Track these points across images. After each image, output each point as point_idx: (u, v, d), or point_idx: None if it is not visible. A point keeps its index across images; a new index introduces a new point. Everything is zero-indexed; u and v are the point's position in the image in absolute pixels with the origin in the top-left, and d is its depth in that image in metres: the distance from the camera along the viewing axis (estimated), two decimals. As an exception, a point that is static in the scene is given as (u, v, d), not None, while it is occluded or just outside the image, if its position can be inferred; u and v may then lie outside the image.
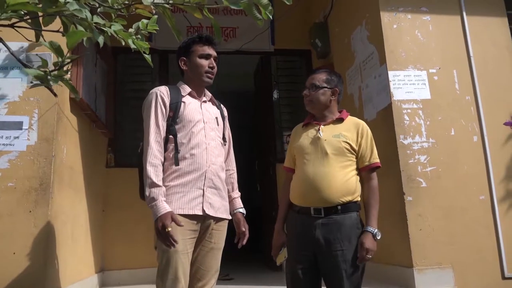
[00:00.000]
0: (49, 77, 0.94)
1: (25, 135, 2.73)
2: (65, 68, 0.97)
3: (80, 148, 3.38)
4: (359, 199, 2.04)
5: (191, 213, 1.87)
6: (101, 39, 1.15)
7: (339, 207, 1.96)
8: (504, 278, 3.09)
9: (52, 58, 2.82)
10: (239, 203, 2.18)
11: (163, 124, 1.93)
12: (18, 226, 2.60)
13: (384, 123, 3.39)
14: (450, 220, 3.12)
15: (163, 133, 1.93)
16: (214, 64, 2.07)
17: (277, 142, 5.07)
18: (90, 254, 3.73)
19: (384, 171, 3.26)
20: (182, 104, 1.98)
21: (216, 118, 2.10)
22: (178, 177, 1.90)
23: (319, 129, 2.09)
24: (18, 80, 2.81)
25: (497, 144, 3.34)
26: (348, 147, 2.03)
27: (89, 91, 3.45)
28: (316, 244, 1.95)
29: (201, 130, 1.98)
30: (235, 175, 2.23)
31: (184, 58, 2.08)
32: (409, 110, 3.30)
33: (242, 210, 2.17)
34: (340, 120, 2.12)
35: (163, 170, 1.90)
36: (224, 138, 2.16)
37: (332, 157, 2.00)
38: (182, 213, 1.86)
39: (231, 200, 2.15)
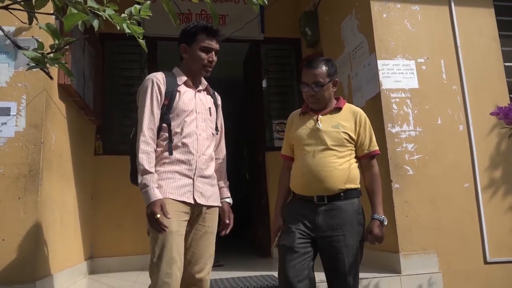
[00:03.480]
0: (46, 59, 0.93)
1: (13, 121, 2.70)
2: (61, 51, 0.96)
3: (68, 135, 3.35)
4: (359, 185, 2.07)
5: (181, 199, 1.89)
6: (96, 23, 1.14)
7: (341, 194, 2.00)
8: (486, 262, 3.19)
9: (35, 43, 2.78)
10: (226, 192, 2.19)
11: (157, 112, 1.92)
12: (7, 212, 2.58)
13: (372, 112, 3.42)
14: (436, 207, 3.20)
15: (157, 121, 1.92)
16: (214, 58, 2.03)
17: (266, 131, 5.09)
18: (79, 241, 3.72)
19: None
20: (177, 93, 1.98)
21: (209, 108, 2.09)
22: (170, 164, 1.92)
23: (317, 120, 2.09)
24: (5, 65, 2.76)
25: (482, 133, 3.42)
26: (347, 137, 2.05)
27: (78, 77, 3.40)
28: (318, 229, 1.98)
29: (193, 120, 1.98)
30: (224, 164, 2.24)
31: (185, 46, 2.04)
32: (397, 99, 3.34)
33: (229, 200, 2.18)
34: (337, 109, 2.12)
35: (157, 157, 1.92)
36: (216, 128, 2.16)
37: (332, 148, 2.02)
38: (172, 197, 1.88)
39: (219, 189, 2.16)
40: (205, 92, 2.14)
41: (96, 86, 4.11)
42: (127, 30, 1.21)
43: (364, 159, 2.11)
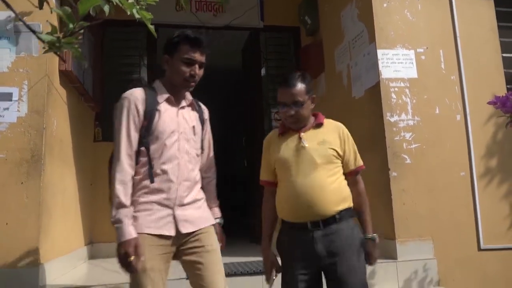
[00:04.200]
0: (60, 43, 0.95)
1: (15, 107, 2.71)
2: (75, 36, 0.98)
3: (69, 121, 3.37)
4: (352, 204, 2.00)
5: (158, 233, 1.72)
6: (106, 8, 1.16)
7: (336, 216, 1.90)
8: (480, 249, 3.26)
9: (41, 27, 2.77)
10: (217, 213, 2.04)
11: (135, 136, 1.74)
12: (10, 197, 2.61)
13: (371, 101, 3.47)
14: (432, 195, 3.26)
15: (135, 145, 1.74)
16: (197, 72, 1.82)
17: (265, 119, 5.11)
18: (79, 227, 3.76)
19: (371, 147, 3.38)
20: (157, 113, 1.78)
21: (194, 127, 1.90)
22: (148, 194, 1.75)
23: (300, 138, 1.97)
24: (6, 51, 2.76)
25: (478, 123, 3.47)
26: (335, 153, 1.96)
27: (78, 63, 3.40)
28: (319, 258, 1.88)
29: (174, 142, 1.79)
30: (213, 183, 2.08)
31: (167, 57, 1.85)
32: (396, 89, 3.37)
33: (220, 221, 2.04)
34: (319, 125, 2.02)
35: (133, 185, 1.74)
36: (202, 147, 1.99)
37: (322, 167, 1.91)
38: (149, 232, 1.71)
39: (209, 209, 1.99)
40: (190, 108, 1.94)
41: (95, 73, 4.10)
42: (137, 16, 1.22)
43: (351, 176, 2.03)
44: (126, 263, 1.63)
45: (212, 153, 2.07)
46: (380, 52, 3.40)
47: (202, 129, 1.98)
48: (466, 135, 3.43)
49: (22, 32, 2.78)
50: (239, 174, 6.68)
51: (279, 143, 2.02)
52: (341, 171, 1.99)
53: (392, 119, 3.32)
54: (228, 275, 2.84)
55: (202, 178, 1.99)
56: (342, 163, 2.00)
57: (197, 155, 1.92)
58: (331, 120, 2.08)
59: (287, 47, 5.36)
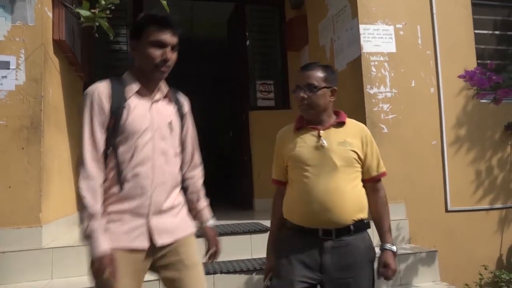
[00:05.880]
0: (95, 18, 1.10)
1: (13, 75, 2.80)
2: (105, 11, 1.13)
3: (62, 90, 3.46)
4: (366, 216, 1.82)
5: (129, 247, 1.53)
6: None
7: (351, 227, 1.73)
8: (447, 211, 3.60)
9: (35, -2, 2.83)
10: (206, 214, 1.83)
11: (100, 136, 1.52)
12: (12, 162, 2.74)
13: (353, 74, 3.68)
14: (405, 162, 3.54)
15: (101, 147, 1.52)
16: (170, 56, 1.59)
17: (250, 91, 5.27)
18: (72, 192, 3.90)
19: (351, 117, 3.57)
20: (125, 109, 1.56)
21: (170, 122, 1.67)
22: (117, 202, 1.55)
23: (319, 136, 1.80)
24: (2, 20, 2.82)
25: (450, 96, 3.73)
26: (356, 157, 1.78)
27: (68, 34, 3.46)
28: (323, 270, 1.72)
29: (148, 142, 1.58)
30: (199, 182, 1.85)
31: (134, 42, 1.61)
32: (376, 62, 3.59)
33: (212, 222, 1.83)
34: (341, 123, 1.85)
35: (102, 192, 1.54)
36: (184, 144, 1.78)
37: (342, 170, 1.75)
38: (120, 246, 1.51)
39: (197, 212, 1.82)
40: (166, 101, 1.71)
41: (83, 42, 4.15)
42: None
43: (371, 182, 1.85)
44: (99, 281, 1.47)
45: (196, 151, 1.85)
46: (362, 27, 3.58)
47: (182, 124, 1.75)
48: (438, 107, 3.70)
49: (17, 1, 2.83)
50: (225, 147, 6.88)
51: (294, 139, 1.85)
52: (360, 177, 1.82)
53: (371, 91, 3.55)
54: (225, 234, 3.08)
55: (186, 179, 1.79)
56: (362, 168, 1.83)
57: (176, 154, 1.71)
58: (354, 121, 1.91)
59: (272, 20, 5.48)
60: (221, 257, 2.87)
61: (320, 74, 1.81)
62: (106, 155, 1.53)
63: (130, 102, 1.57)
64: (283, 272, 1.76)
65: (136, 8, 4.85)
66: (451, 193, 3.61)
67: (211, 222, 1.82)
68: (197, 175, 1.84)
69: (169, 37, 1.57)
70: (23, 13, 2.84)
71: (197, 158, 1.85)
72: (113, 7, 1.22)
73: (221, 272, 2.73)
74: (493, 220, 3.68)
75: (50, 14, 3.09)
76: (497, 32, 4.16)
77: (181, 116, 1.75)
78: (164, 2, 1.34)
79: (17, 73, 2.81)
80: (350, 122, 1.88)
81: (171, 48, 1.59)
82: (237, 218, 4.10)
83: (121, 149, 1.54)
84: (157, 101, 1.66)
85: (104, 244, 1.44)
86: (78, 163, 1.50)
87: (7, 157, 2.73)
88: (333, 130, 1.82)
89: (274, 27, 5.46)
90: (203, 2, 5.07)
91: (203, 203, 1.83)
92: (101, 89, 1.55)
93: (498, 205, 3.70)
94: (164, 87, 1.70)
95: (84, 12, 1.11)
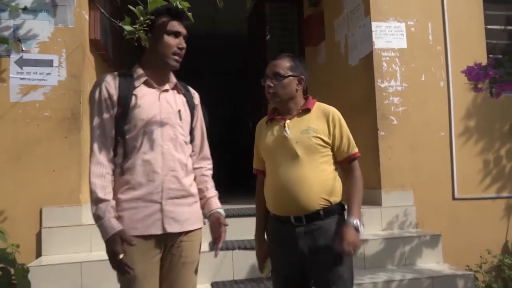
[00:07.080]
0: (136, 32, 1.40)
1: (56, 72, 3.15)
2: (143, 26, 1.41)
3: (96, 84, 3.81)
4: (340, 198, 1.86)
5: (147, 234, 1.57)
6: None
7: (321, 212, 1.78)
8: (454, 199, 3.79)
9: (74, 2, 3.17)
10: (215, 203, 1.82)
11: (109, 125, 1.59)
12: (55, 148, 3.10)
13: (365, 69, 3.89)
14: (414, 151, 3.74)
15: (110, 135, 1.59)
16: (184, 45, 1.69)
17: (269, 84, 5.51)
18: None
19: (363, 109, 3.85)
20: (133, 97, 1.61)
21: (179, 111, 1.71)
22: (130, 190, 1.58)
23: (284, 126, 1.85)
24: (46, 22, 3.17)
25: (459, 89, 3.89)
26: (320, 142, 1.81)
27: (102, 33, 3.80)
28: (300, 254, 1.79)
29: (156, 129, 1.62)
30: (209, 173, 1.87)
31: (152, 32, 1.68)
32: (387, 58, 3.79)
33: (221, 211, 1.79)
34: (306, 110, 1.88)
35: (114, 181, 1.60)
36: (193, 136, 1.80)
37: (304, 158, 1.79)
38: (136, 234, 1.55)
39: (206, 201, 1.80)
40: (175, 92, 1.75)
41: (114, 39, 4.50)
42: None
43: (344, 163, 1.88)
44: (116, 264, 1.49)
45: (206, 143, 1.88)
46: (374, 25, 3.79)
47: (192, 115, 1.78)
48: (447, 100, 3.88)
49: (59, 6, 3.18)
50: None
51: (266, 130, 1.93)
52: (331, 161, 1.85)
53: (382, 85, 3.75)
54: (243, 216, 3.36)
55: (194, 169, 1.80)
56: (332, 150, 1.86)
57: (186, 142, 1.73)
58: (322, 104, 1.93)
59: (291, 16, 5.71)
60: (240, 236, 3.19)
61: (286, 63, 1.87)
62: (116, 143, 1.59)
63: (138, 91, 1.63)
64: (274, 263, 1.91)
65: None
66: (458, 182, 3.79)
67: (219, 210, 1.79)
68: (206, 167, 1.86)
69: (182, 28, 1.69)
70: (64, 17, 3.18)
71: (206, 150, 1.88)
72: (150, 22, 1.51)
73: (239, 248, 3.03)
74: (499, 208, 3.84)
75: (87, 16, 3.44)
76: (509, 28, 4.28)
77: (191, 107, 1.79)
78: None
79: (59, 70, 3.16)
80: (317, 107, 1.90)
81: (183, 38, 1.70)
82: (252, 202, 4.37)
83: (130, 137, 1.59)
84: (166, 91, 1.71)
85: (114, 224, 1.50)
86: (90, 151, 1.58)
87: (52, 145, 3.10)
88: (297, 119, 1.86)
89: (293, 23, 5.68)
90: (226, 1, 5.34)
91: (211, 193, 1.83)
92: (108, 80, 1.62)
93: (505, 194, 3.86)
94: (173, 78, 1.76)
95: (127, 27, 1.40)
